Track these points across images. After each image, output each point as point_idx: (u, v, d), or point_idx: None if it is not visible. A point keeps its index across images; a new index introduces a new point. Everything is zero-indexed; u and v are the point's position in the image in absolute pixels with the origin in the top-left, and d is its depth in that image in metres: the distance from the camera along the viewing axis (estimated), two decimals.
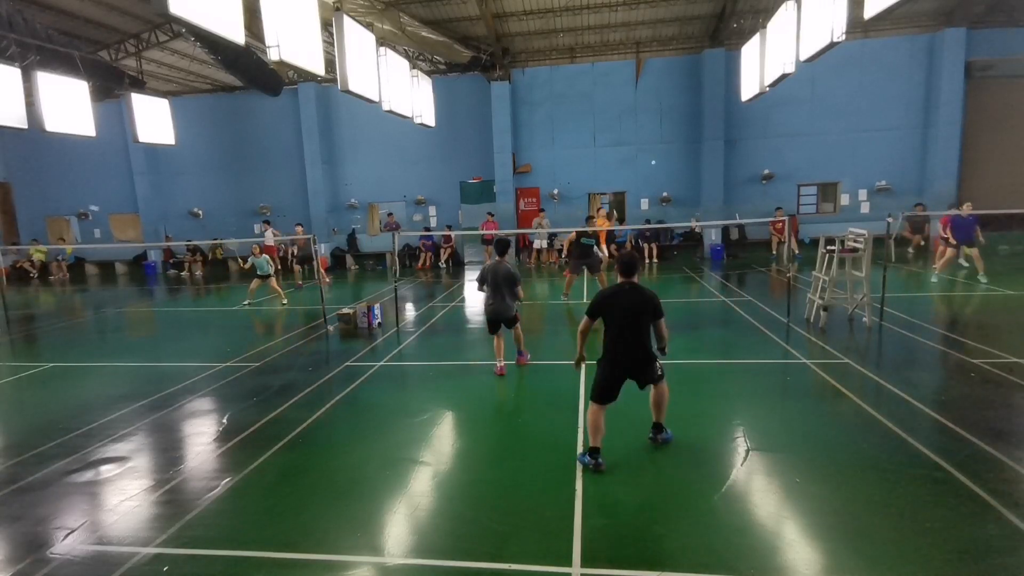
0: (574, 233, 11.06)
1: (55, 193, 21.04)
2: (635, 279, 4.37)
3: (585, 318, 4.36)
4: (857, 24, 11.82)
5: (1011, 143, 16.38)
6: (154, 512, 3.82)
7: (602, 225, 13.58)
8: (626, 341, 4.19)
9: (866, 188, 17.06)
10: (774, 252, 16.46)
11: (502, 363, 6.52)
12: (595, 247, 11.05)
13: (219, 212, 20.44)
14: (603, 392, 4.24)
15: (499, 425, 5.11)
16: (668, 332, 4.41)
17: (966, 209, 11.04)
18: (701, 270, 14.92)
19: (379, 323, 9.29)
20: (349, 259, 19.22)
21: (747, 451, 4.35)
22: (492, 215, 17.59)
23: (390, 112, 11.54)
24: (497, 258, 6.42)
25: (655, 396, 4.46)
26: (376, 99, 10.47)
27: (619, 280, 4.38)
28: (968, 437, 4.35)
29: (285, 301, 11.96)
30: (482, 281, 6.42)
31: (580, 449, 4.46)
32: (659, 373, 4.35)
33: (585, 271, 11.19)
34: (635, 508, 3.62)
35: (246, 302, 12.01)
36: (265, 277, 11.96)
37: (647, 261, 16.94)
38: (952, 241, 11.11)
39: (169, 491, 4.10)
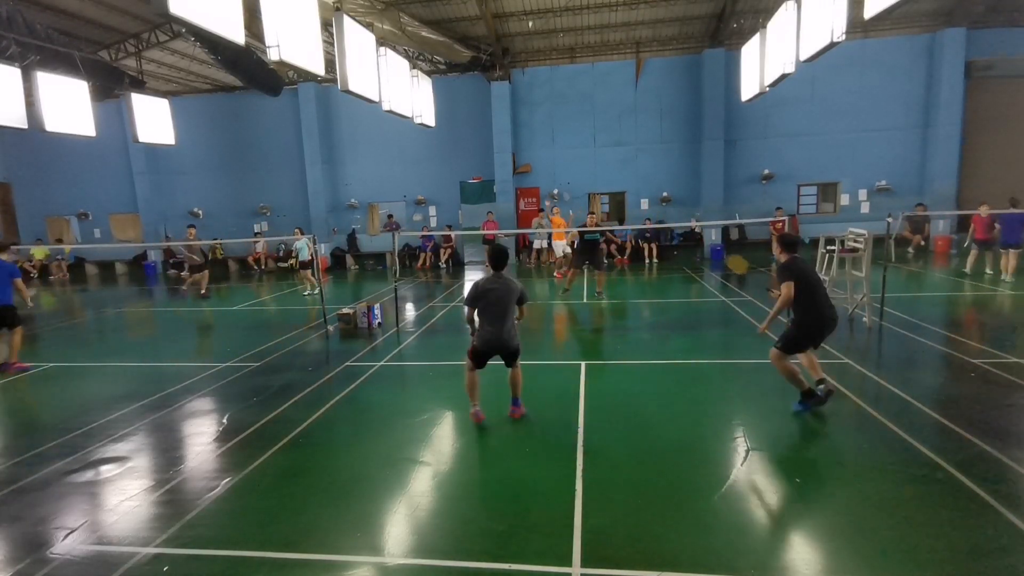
0: (577, 232, 11.32)
1: (55, 193, 21.04)
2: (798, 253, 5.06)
3: (791, 285, 4.78)
4: (857, 24, 11.84)
5: (1011, 143, 16.38)
6: (154, 512, 3.82)
7: (559, 225, 14.31)
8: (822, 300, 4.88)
9: (866, 188, 17.07)
10: (774, 252, 16.45)
11: (478, 407, 5.03)
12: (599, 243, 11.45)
13: (219, 212, 20.44)
14: (803, 343, 5.00)
15: (499, 425, 5.10)
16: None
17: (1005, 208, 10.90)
18: (701, 270, 14.92)
19: (379, 323, 9.29)
20: (349, 259, 19.22)
21: (747, 451, 4.35)
22: (492, 213, 17.62)
23: (390, 112, 11.54)
24: (493, 273, 4.89)
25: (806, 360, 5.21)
26: (376, 99, 10.46)
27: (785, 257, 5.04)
28: (968, 437, 4.35)
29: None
30: (474, 302, 4.83)
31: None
32: None
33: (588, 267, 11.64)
34: (635, 508, 3.62)
35: (306, 293, 12.68)
36: (305, 264, 12.94)
37: (647, 261, 16.95)
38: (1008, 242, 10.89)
39: (169, 491, 4.10)
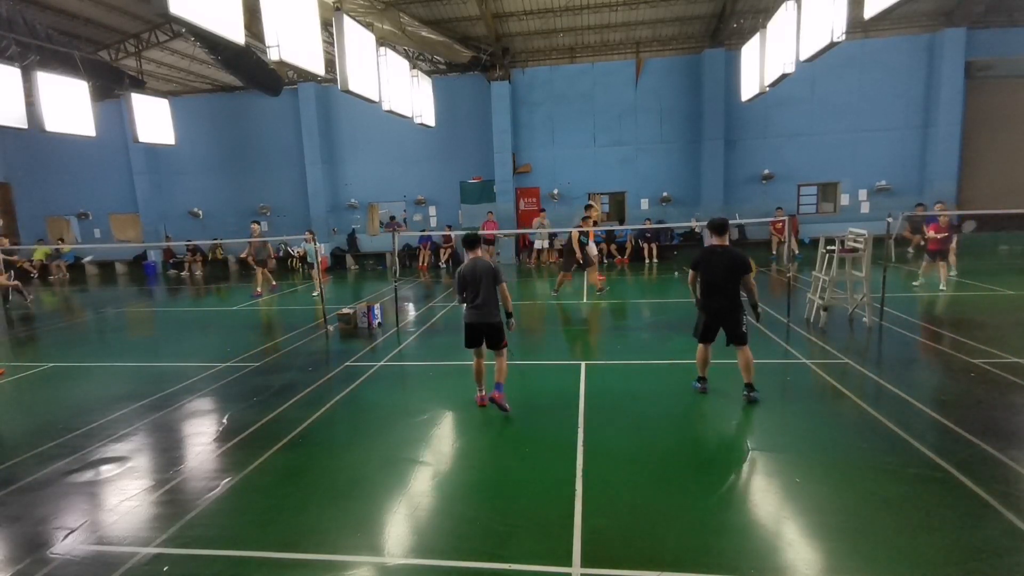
0: (577, 232, 11.12)
1: (55, 193, 21.04)
2: (726, 241, 5.25)
3: (691, 272, 5.49)
4: (857, 24, 11.84)
5: (1011, 143, 16.38)
6: (154, 512, 3.82)
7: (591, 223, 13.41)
8: (717, 292, 5.27)
9: (866, 188, 17.06)
10: (774, 252, 16.46)
11: (483, 392, 5.41)
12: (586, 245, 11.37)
13: (219, 212, 20.44)
14: (703, 333, 5.52)
15: (499, 425, 5.10)
16: (756, 287, 5.39)
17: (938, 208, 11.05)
18: None
19: (379, 323, 9.29)
20: (349, 259, 19.22)
21: (747, 451, 4.35)
22: (492, 213, 17.65)
23: (390, 112, 11.54)
24: (469, 255, 5.23)
25: (741, 360, 5.37)
26: (376, 99, 10.46)
27: (713, 242, 5.29)
28: (968, 437, 4.35)
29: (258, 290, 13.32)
30: (461, 286, 5.22)
31: (580, 457, 4.46)
32: (743, 330, 5.27)
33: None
34: (635, 508, 3.62)
35: (315, 294, 12.45)
36: (311, 265, 13.23)
37: (647, 261, 16.95)
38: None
39: (169, 491, 4.10)
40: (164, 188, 20.59)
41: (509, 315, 5.27)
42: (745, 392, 5.35)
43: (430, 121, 14.36)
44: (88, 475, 4.44)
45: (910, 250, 15.24)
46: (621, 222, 18.93)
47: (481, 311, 5.11)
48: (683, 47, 17.29)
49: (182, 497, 4.00)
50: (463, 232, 19.25)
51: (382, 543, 3.38)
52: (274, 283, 13.81)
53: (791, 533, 3.32)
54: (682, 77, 17.41)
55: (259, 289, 13.18)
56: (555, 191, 18.34)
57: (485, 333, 5.22)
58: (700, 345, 5.57)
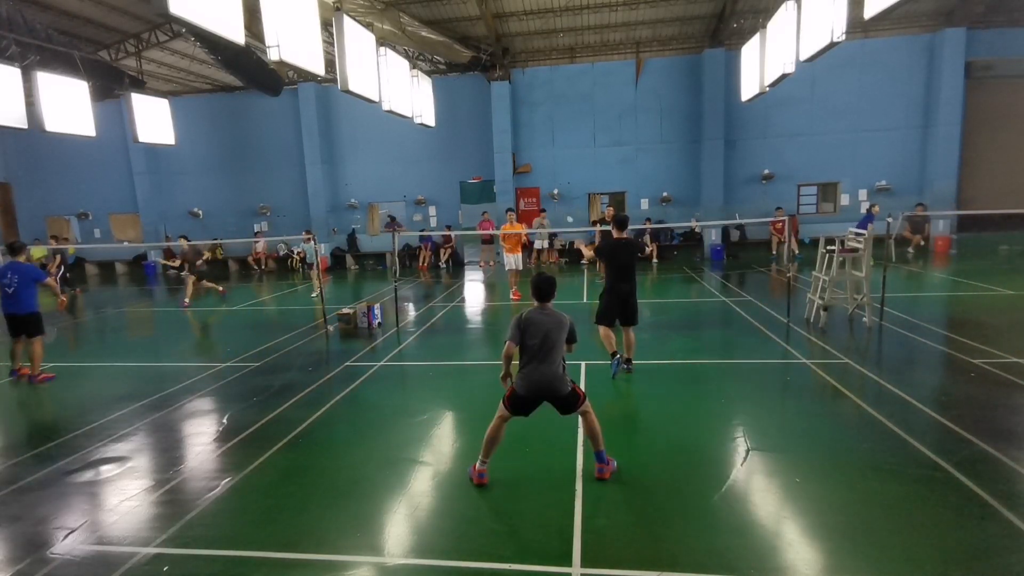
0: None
1: (55, 193, 21.04)
2: (625, 234, 6.33)
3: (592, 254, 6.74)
4: (857, 24, 11.84)
5: (1011, 143, 16.39)
6: (154, 512, 3.82)
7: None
8: (624, 276, 6.27)
9: (866, 188, 17.07)
10: (774, 252, 16.46)
11: (487, 465, 3.97)
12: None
13: (219, 212, 20.45)
14: (608, 317, 6.30)
15: None
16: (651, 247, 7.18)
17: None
18: (701, 270, 14.92)
19: (379, 323, 9.29)
20: (349, 259, 19.23)
21: (747, 451, 4.35)
22: (487, 213, 17.70)
23: (390, 112, 11.54)
24: (537, 304, 3.97)
25: (629, 339, 6.39)
26: (376, 99, 10.47)
27: (616, 235, 6.30)
28: (968, 437, 4.35)
29: (221, 289, 13.07)
30: (519, 336, 3.83)
31: (579, 455, 4.46)
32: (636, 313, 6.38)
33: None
34: (635, 508, 3.62)
35: (313, 294, 12.35)
36: (310, 265, 13.32)
37: (647, 261, 16.93)
38: None
39: (169, 491, 4.10)
40: (164, 188, 20.59)
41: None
42: (626, 366, 6.29)
43: (430, 121, 14.36)
44: (88, 475, 4.44)
45: (910, 250, 15.25)
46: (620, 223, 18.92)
47: (546, 375, 3.81)
48: (683, 47, 17.29)
49: (182, 497, 4.00)
50: (462, 232, 19.47)
51: (382, 543, 3.38)
52: (221, 289, 13.16)
53: (791, 533, 3.32)
54: (682, 77, 17.42)
55: (187, 300, 12.56)
56: (555, 191, 18.35)
57: (553, 399, 3.91)
58: (603, 328, 6.25)
